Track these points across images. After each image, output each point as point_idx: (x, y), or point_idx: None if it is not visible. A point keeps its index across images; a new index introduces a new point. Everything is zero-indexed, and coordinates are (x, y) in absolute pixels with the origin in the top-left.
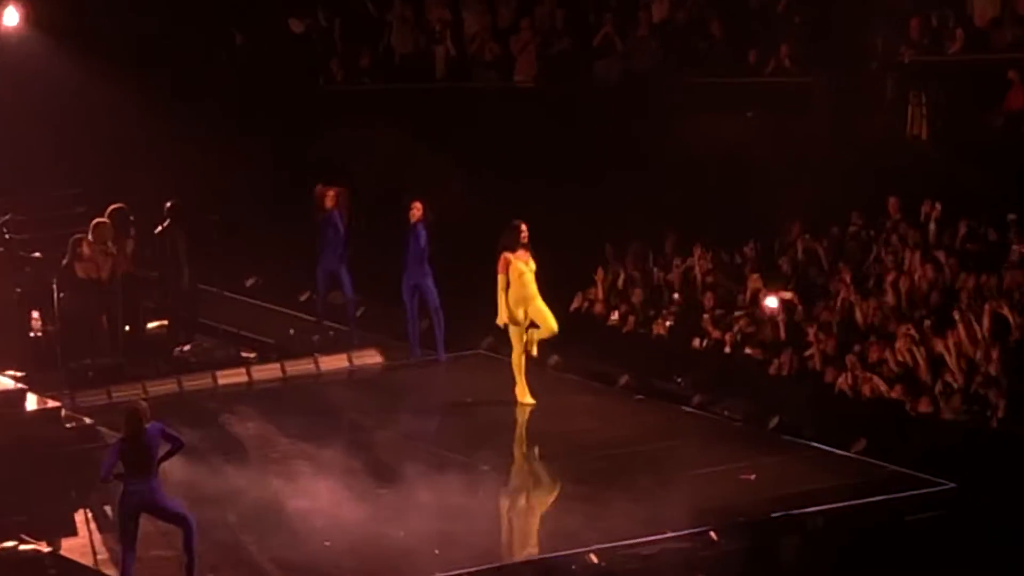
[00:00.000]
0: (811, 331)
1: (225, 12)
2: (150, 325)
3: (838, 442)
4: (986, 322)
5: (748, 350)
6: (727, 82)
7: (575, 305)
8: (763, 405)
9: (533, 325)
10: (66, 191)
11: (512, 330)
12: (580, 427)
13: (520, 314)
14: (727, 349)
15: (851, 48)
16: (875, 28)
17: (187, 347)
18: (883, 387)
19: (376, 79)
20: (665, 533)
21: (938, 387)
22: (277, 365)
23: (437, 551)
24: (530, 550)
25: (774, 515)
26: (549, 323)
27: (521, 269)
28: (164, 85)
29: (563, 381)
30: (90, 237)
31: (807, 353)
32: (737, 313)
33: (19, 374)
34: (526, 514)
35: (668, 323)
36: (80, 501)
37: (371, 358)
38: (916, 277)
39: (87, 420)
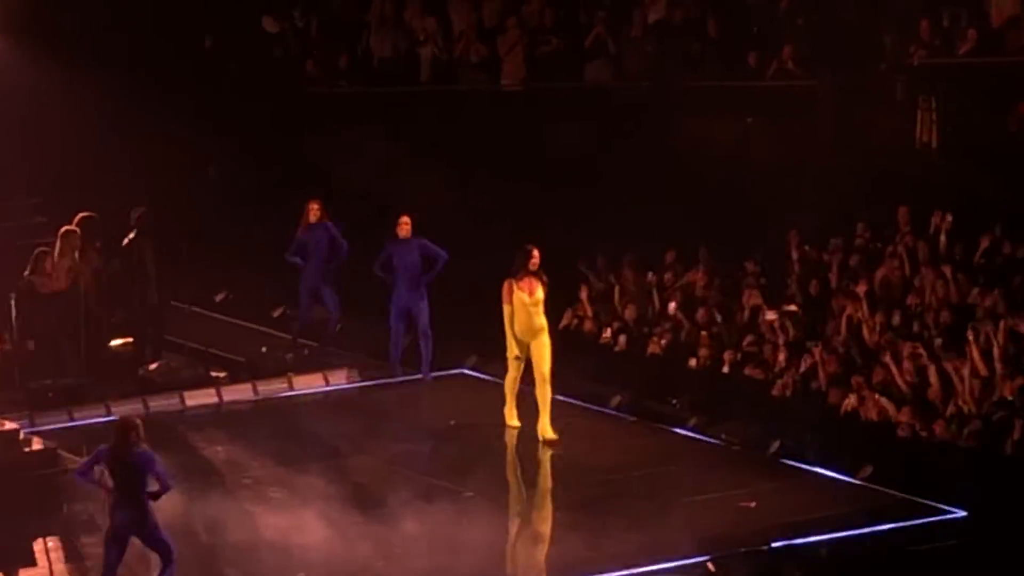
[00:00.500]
0: (815, 350)
1: (195, 14)
2: (114, 342)
3: (843, 467)
4: (1001, 340)
5: (748, 370)
6: (726, 85)
7: (564, 322)
8: (764, 428)
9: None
10: (25, 200)
11: (511, 360)
12: (571, 451)
13: (522, 347)
14: (725, 369)
15: (858, 49)
16: (883, 28)
17: (153, 366)
18: (891, 409)
19: (355, 82)
20: (660, 563)
21: (949, 409)
22: (248, 385)
23: None
24: None
25: (775, 545)
26: (543, 368)
27: (523, 300)
28: (129, 89)
29: (552, 402)
30: (58, 247)
31: (805, 370)
32: (736, 330)
33: None
34: (515, 544)
35: (663, 341)
36: (40, 529)
37: (349, 378)
38: (926, 293)
39: (47, 443)
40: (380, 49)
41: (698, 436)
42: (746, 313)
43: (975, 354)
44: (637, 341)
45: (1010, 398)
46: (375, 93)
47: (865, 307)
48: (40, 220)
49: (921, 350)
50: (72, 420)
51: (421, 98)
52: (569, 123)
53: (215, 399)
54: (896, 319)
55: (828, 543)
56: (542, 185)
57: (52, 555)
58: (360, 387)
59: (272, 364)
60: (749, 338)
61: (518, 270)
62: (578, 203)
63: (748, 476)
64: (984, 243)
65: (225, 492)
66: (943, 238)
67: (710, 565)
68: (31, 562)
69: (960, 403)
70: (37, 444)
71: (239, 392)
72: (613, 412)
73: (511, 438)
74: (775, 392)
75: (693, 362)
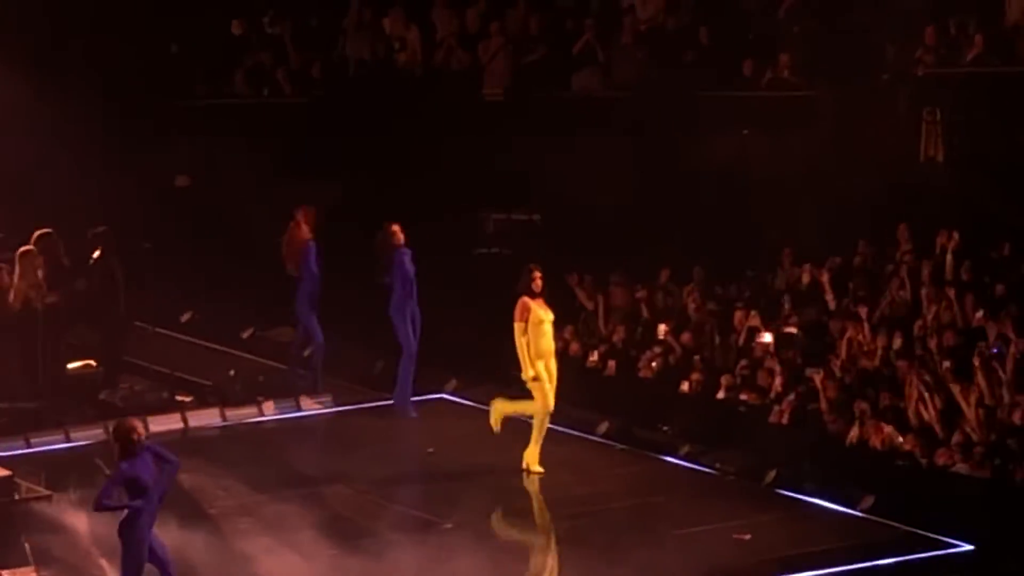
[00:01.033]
0: (815, 375)
1: (160, 20)
2: (73, 364)
3: (843, 498)
4: (1010, 366)
5: (743, 395)
6: (720, 95)
7: None
8: (759, 457)
9: None
10: None
11: (533, 385)
12: (555, 481)
13: (543, 371)
14: (720, 394)
15: (858, 58)
16: (885, 35)
17: (115, 390)
18: (894, 437)
19: (329, 89)
20: None
21: (956, 438)
22: (216, 410)
23: None
24: None
25: None
26: (550, 397)
27: (541, 317)
28: (84, 96)
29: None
30: (17, 268)
31: (803, 396)
32: (731, 353)
33: None
34: None
35: (654, 365)
36: None
37: (322, 403)
38: (930, 315)
39: (3, 471)
40: (357, 53)
41: (690, 465)
42: (742, 335)
43: (983, 379)
44: (626, 364)
45: (1019, 425)
46: (348, 100)
47: (866, 330)
48: None
49: (927, 375)
50: (29, 447)
51: (399, 107)
52: (554, 134)
53: (180, 424)
54: (899, 343)
55: None
56: (525, 199)
57: None
58: (335, 412)
59: (241, 388)
60: (744, 362)
61: (523, 292)
62: (562, 219)
63: (743, 507)
64: (992, 263)
65: (191, 523)
66: (949, 257)
67: None
68: None
69: (967, 431)
70: None
71: (206, 417)
72: (600, 439)
73: (493, 467)
74: (771, 419)
75: (685, 387)
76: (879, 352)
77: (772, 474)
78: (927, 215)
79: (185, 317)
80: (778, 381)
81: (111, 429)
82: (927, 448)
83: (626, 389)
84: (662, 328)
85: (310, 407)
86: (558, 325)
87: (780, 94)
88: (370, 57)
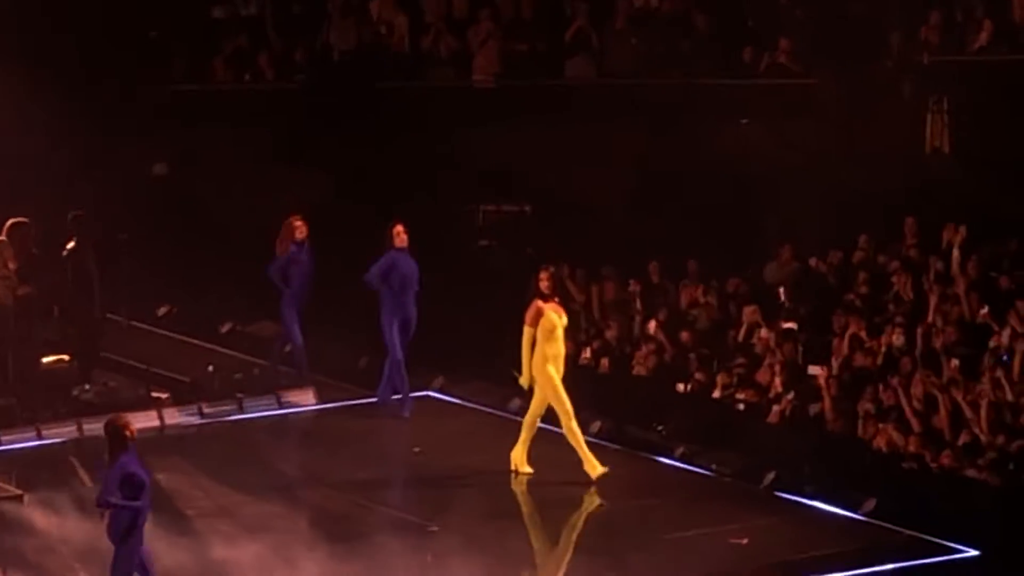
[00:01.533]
0: (817, 373)
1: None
2: (46, 360)
3: (844, 502)
4: (1018, 365)
5: (741, 395)
6: (719, 83)
7: None
8: (757, 458)
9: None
10: None
11: (551, 395)
12: (545, 482)
13: (555, 374)
14: (717, 393)
15: (861, 45)
16: (889, 22)
17: (88, 386)
18: (897, 439)
19: (312, 76)
20: None
21: (961, 439)
22: (194, 407)
23: None
24: None
25: None
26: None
27: (554, 323)
28: (61, 83)
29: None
30: None
31: (803, 395)
32: (729, 351)
33: None
34: None
35: (649, 362)
36: None
37: (304, 399)
38: (936, 312)
39: None
40: (342, 41)
41: (686, 466)
42: (741, 331)
43: (990, 379)
44: (619, 362)
45: None
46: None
47: (869, 328)
48: None
49: (932, 375)
50: None
51: (382, 94)
52: (546, 123)
53: (156, 422)
54: (902, 340)
55: None
56: (513, 190)
57: None
58: (317, 410)
59: (219, 384)
60: (742, 359)
61: (535, 295)
62: (554, 210)
63: (740, 510)
64: (1001, 258)
65: (167, 525)
66: (956, 252)
67: None
68: None
69: (974, 432)
70: None
71: (183, 415)
72: (593, 439)
73: (481, 467)
74: (770, 419)
75: (681, 386)
76: (882, 350)
77: (771, 476)
78: (933, 208)
79: (162, 311)
80: (777, 380)
81: (104, 424)
82: (931, 450)
83: (620, 388)
84: (652, 324)
85: (292, 403)
86: None
87: (780, 81)
88: (356, 42)
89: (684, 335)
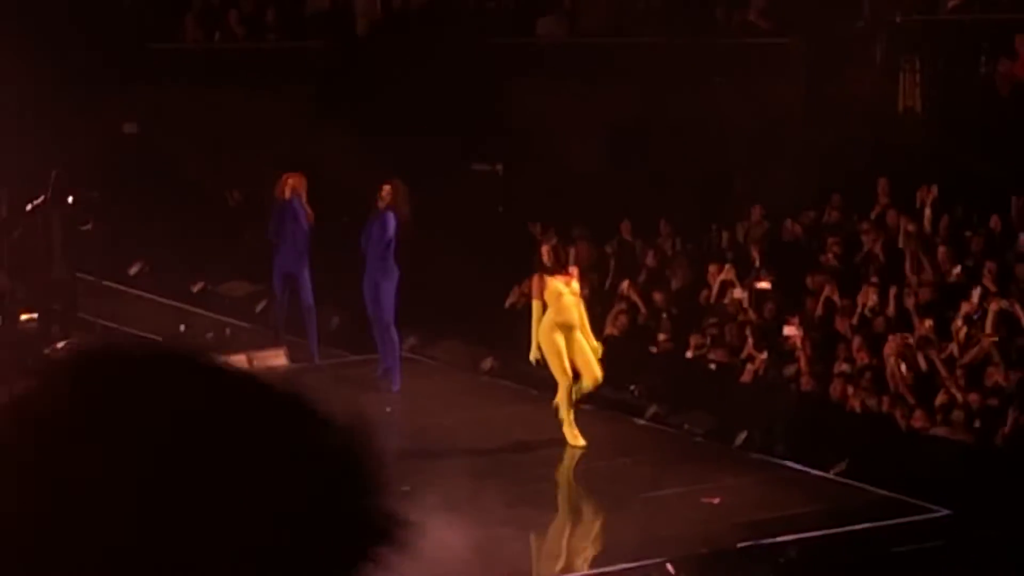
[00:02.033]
0: (791, 333)
1: None
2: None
3: (816, 461)
4: (990, 324)
5: (713, 355)
6: (689, 42)
7: (511, 300)
8: (729, 418)
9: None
10: None
11: (553, 362)
12: (516, 441)
13: (560, 341)
14: (689, 353)
15: (834, 4)
16: None
17: (60, 345)
18: (869, 399)
19: (283, 36)
20: (614, 565)
21: (938, 399)
22: None
23: None
24: None
25: (741, 545)
26: (592, 368)
27: (559, 290)
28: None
29: (498, 388)
30: None
31: (776, 355)
32: (701, 311)
33: None
34: (451, 545)
35: (620, 322)
36: None
37: (275, 359)
38: (909, 272)
39: None
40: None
41: (658, 426)
42: (713, 291)
43: (962, 338)
44: (591, 322)
45: (1001, 385)
46: (304, 48)
47: (841, 287)
48: None
49: (904, 334)
50: None
51: (356, 52)
52: (517, 81)
53: None
54: (876, 300)
55: (799, 544)
56: (487, 150)
57: None
58: (287, 369)
59: (192, 344)
60: (714, 319)
61: (537, 268)
62: (525, 169)
63: (712, 470)
64: (973, 218)
65: None
66: (928, 212)
67: (669, 567)
68: None
69: (948, 392)
70: None
71: None
72: None
73: (450, 427)
74: (743, 379)
75: (654, 348)
76: (857, 310)
77: (743, 436)
78: (905, 168)
79: (133, 269)
80: (750, 340)
81: None
82: (904, 410)
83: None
84: (625, 284)
85: (264, 363)
86: (522, 279)
87: (750, 40)
88: (330, 3)
89: (657, 295)
